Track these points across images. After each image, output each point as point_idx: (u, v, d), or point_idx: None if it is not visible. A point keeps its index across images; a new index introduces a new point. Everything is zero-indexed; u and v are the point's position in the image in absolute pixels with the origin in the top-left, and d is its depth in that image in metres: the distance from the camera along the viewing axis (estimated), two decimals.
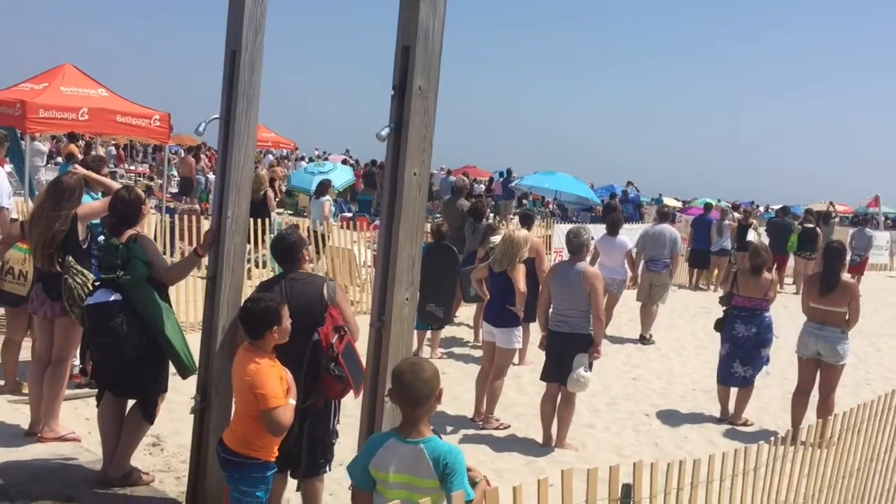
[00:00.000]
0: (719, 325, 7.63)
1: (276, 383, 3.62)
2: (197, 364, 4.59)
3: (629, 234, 11.48)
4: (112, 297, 4.57)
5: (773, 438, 3.82)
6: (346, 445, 4.68)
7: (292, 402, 3.71)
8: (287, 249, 4.31)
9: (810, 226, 16.86)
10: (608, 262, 10.66)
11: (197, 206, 17.36)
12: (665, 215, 12.18)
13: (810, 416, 6.88)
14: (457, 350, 9.33)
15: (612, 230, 10.84)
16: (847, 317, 6.90)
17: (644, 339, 10.84)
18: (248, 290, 4.77)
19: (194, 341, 4.67)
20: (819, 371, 7.00)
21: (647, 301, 11.12)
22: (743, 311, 7.39)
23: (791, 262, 17.08)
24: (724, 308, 7.60)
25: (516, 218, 14.21)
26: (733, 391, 7.55)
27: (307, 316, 4.02)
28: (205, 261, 4.64)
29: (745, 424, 7.46)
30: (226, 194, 4.33)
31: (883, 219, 31.69)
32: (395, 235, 3.56)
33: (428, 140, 3.57)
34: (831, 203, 24.63)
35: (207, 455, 4.31)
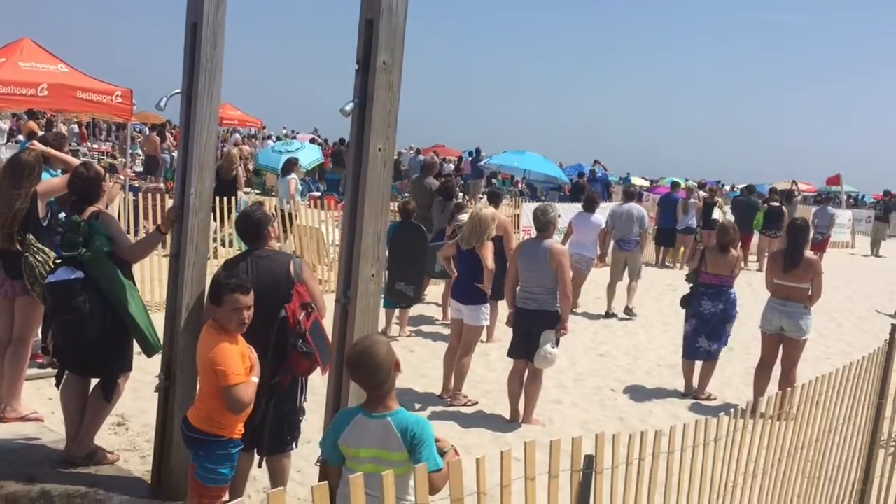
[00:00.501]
0: (685, 302, 7.72)
1: (237, 360, 3.60)
2: (162, 342, 4.55)
3: (601, 213, 11.58)
4: (74, 275, 4.50)
5: (733, 410, 3.88)
6: (313, 423, 4.69)
7: (255, 379, 3.69)
8: (252, 227, 4.27)
9: (776, 204, 17.10)
10: (580, 239, 10.76)
11: (162, 185, 17.10)
12: (631, 195, 12.29)
13: (773, 389, 6.99)
14: (425, 328, 9.35)
15: (589, 207, 10.92)
16: (810, 292, 7.04)
17: (627, 311, 11.11)
18: (213, 269, 4.73)
19: (159, 320, 4.62)
20: (781, 346, 7.14)
21: (617, 279, 11.25)
22: (710, 287, 7.49)
23: (755, 239, 17.33)
24: (691, 285, 7.70)
25: (485, 197, 14.24)
26: (697, 366, 7.67)
27: (273, 293, 3.99)
28: (168, 238, 4.59)
29: (708, 399, 7.59)
30: (188, 171, 4.27)
31: (845, 197, 32.23)
32: (360, 211, 3.54)
33: (393, 115, 3.54)
34: (794, 182, 24.98)
35: (172, 433, 4.29)
